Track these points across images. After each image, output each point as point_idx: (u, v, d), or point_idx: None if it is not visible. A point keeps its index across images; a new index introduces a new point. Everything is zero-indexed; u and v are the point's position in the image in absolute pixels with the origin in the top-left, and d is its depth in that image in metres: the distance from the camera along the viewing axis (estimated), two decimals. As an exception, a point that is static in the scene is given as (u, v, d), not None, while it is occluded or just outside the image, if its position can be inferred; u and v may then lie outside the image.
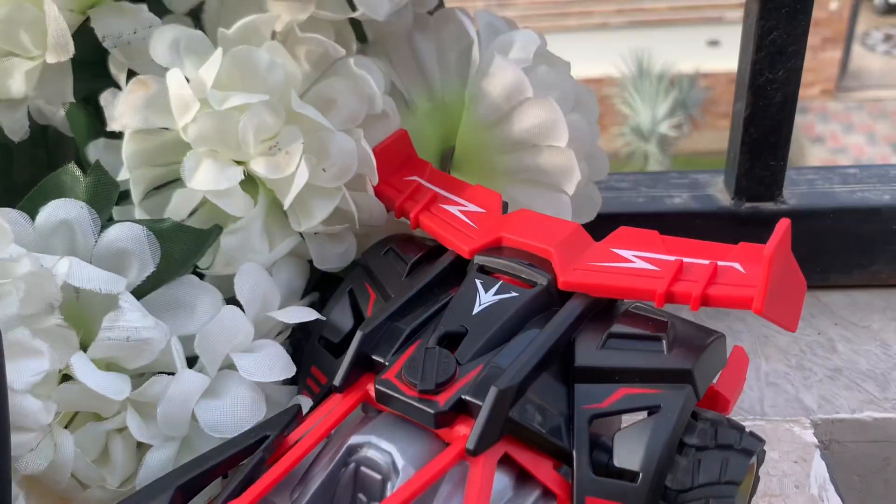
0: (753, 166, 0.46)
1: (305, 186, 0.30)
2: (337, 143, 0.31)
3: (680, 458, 0.26)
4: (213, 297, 0.31)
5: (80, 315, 0.30)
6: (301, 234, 0.33)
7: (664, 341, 0.27)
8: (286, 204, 0.31)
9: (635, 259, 0.29)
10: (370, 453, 0.26)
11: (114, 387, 0.28)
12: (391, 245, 0.34)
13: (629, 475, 0.26)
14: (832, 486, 0.37)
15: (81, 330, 0.28)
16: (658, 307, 0.28)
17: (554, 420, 0.27)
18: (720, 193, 0.48)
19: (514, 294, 0.29)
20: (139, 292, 0.30)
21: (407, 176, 0.35)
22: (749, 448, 0.26)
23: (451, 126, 0.38)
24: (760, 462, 0.29)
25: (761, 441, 0.27)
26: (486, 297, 0.29)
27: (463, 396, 0.26)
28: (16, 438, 0.26)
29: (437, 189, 0.35)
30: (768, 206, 0.47)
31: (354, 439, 0.27)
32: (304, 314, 0.31)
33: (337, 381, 0.28)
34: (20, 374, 0.26)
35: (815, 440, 0.39)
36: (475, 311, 0.29)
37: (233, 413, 0.29)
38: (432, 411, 0.26)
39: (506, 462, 0.26)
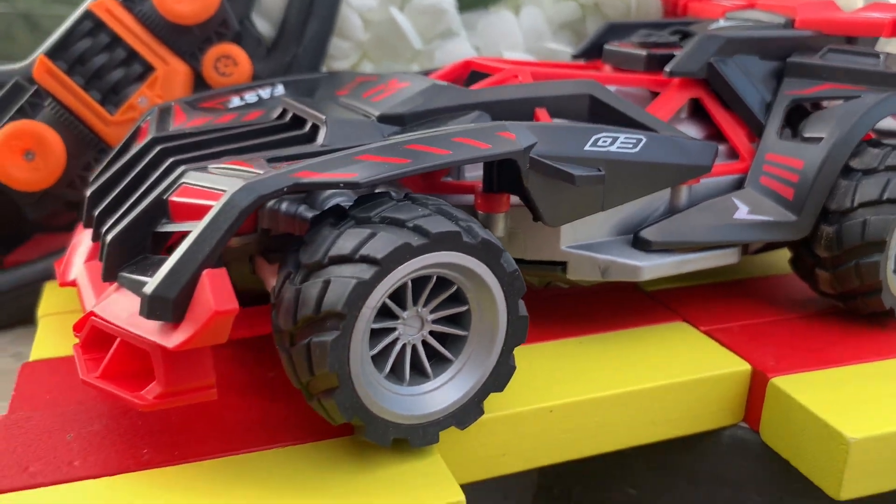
0: None
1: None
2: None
3: (841, 180, 0.27)
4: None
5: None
6: None
7: (881, 58, 0.30)
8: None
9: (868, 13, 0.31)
10: None
11: (414, 34, 0.37)
12: None
13: (814, 140, 0.28)
14: None
15: None
16: (888, 36, 0.30)
17: (754, 94, 0.30)
18: None
19: None
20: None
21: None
22: None
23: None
24: None
25: None
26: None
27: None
28: (335, 42, 0.37)
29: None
30: None
31: None
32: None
33: None
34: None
35: None
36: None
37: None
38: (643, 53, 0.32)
39: (700, 117, 0.31)
